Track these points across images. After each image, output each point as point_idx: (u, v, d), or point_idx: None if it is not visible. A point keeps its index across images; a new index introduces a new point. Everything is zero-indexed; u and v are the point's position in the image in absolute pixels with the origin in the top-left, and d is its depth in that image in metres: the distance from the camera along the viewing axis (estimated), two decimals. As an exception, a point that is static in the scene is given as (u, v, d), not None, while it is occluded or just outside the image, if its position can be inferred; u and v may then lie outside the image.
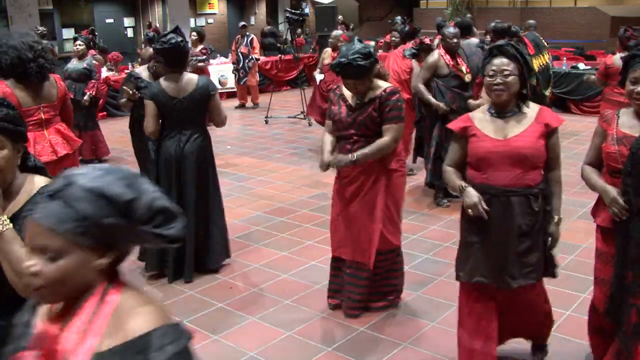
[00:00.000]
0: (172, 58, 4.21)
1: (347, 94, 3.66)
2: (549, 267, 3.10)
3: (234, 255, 4.83)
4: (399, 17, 9.43)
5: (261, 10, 21.40)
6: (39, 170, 1.99)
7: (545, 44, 9.63)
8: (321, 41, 11.94)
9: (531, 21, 9.31)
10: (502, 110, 2.87)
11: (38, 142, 3.95)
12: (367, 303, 3.89)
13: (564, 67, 10.91)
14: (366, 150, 3.54)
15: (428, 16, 18.26)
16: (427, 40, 6.71)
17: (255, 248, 5.01)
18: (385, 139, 3.55)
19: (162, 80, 4.27)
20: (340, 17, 13.31)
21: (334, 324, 3.80)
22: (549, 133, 2.85)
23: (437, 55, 5.80)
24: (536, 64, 9.23)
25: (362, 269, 3.76)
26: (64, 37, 16.24)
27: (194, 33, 10.27)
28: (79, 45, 7.59)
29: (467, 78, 5.73)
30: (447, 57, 5.73)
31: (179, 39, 4.17)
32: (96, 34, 8.74)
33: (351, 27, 14.07)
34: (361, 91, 3.56)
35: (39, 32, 11.12)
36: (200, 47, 10.03)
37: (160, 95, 4.20)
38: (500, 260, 2.87)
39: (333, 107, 3.71)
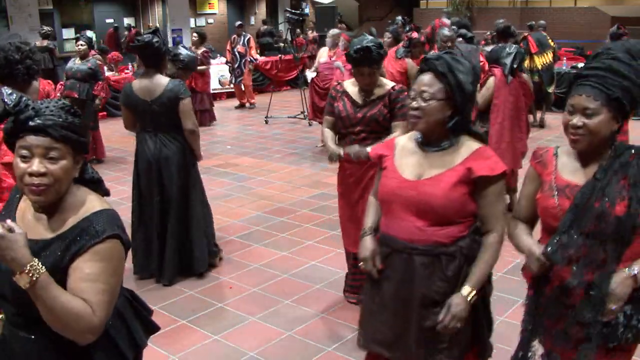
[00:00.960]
0: (145, 56, 4.23)
1: (351, 90, 3.69)
2: (480, 351, 2.45)
3: (234, 255, 4.83)
4: (399, 17, 9.43)
5: (261, 10, 21.38)
6: (95, 182, 1.89)
7: (552, 44, 9.67)
8: (322, 41, 11.93)
9: (542, 22, 9.59)
10: (428, 142, 2.27)
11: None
12: None
13: (564, 67, 10.92)
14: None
15: (428, 16, 18.24)
16: (414, 35, 6.68)
17: (255, 248, 5.01)
18: (396, 134, 3.57)
19: (134, 82, 4.29)
20: (340, 15, 13.29)
21: (334, 324, 3.79)
22: (477, 182, 2.16)
23: None
24: (539, 62, 9.28)
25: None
26: (64, 37, 16.22)
27: (195, 34, 10.25)
28: (81, 45, 7.60)
29: None
30: None
31: (155, 39, 4.17)
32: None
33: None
34: (372, 83, 3.61)
35: (44, 31, 11.12)
36: (202, 49, 10.01)
37: (132, 97, 4.21)
38: (401, 333, 2.25)
39: (336, 103, 3.71)
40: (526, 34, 9.64)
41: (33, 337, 1.74)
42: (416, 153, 2.28)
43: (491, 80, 5.35)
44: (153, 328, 2.07)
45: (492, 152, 2.24)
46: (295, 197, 6.35)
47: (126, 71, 11.39)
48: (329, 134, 3.75)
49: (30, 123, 1.67)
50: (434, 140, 2.24)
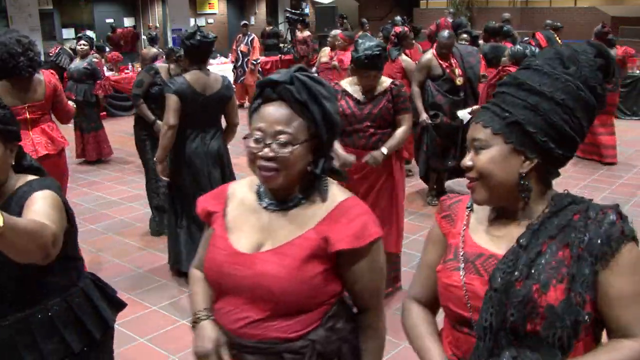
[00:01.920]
0: (206, 53, 4.24)
1: (351, 89, 3.76)
2: None
3: (234, 255, 4.83)
4: (398, 17, 9.43)
5: (261, 10, 21.40)
6: (35, 170, 1.97)
7: (560, 42, 9.76)
8: (322, 41, 11.94)
9: (549, 21, 9.71)
10: (276, 197, 1.59)
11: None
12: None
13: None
14: (393, 141, 3.75)
15: (428, 16, 18.25)
16: (397, 30, 6.66)
17: (255, 248, 5.00)
18: (404, 128, 3.80)
19: (187, 76, 4.16)
20: (344, 15, 13.19)
21: (333, 324, 3.78)
22: (338, 256, 1.51)
23: (430, 54, 5.80)
24: None
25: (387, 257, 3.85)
26: (64, 37, 16.23)
27: None
28: (84, 45, 7.56)
29: (459, 81, 5.73)
30: (439, 59, 5.73)
31: (209, 34, 4.23)
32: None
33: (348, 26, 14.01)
34: (375, 83, 3.72)
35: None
36: None
37: (188, 90, 4.09)
38: None
39: (341, 103, 3.73)
40: (534, 32, 9.73)
41: (7, 322, 1.83)
42: (258, 212, 1.60)
43: None
44: (120, 304, 2.18)
45: (361, 206, 1.55)
46: (295, 197, 6.33)
47: (126, 71, 11.38)
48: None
49: None
50: (284, 194, 1.57)
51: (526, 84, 1.38)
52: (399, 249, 4.05)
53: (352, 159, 3.64)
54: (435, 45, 5.86)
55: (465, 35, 7.29)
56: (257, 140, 1.50)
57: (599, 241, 1.31)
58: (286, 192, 1.56)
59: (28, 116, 3.98)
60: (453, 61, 5.75)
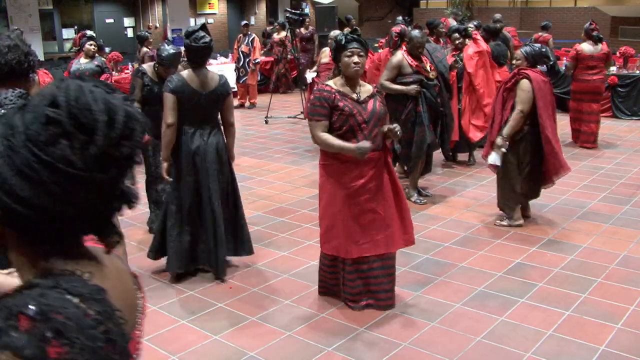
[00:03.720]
0: (202, 55, 4.25)
1: (342, 89, 3.71)
2: None
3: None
4: (400, 17, 9.43)
5: (261, 10, 21.39)
6: None
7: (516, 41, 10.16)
8: (322, 41, 11.91)
9: (497, 15, 10.05)
10: None
11: None
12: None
13: (564, 67, 10.89)
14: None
15: (428, 16, 18.23)
16: (397, 30, 6.65)
17: (255, 248, 5.00)
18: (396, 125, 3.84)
19: (185, 74, 4.25)
20: (350, 16, 13.10)
21: (334, 324, 3.80)
22: None
23: (400, 55, 5.82)
24: None
25: (389, 257, 3.88)
26: (64, 37, 16.22)
27: None
28: (94, 46, 7.77)
29: (432, 75, 5.79)
30: (410, 58, 5.75)
31: (209, 38, 4.25)
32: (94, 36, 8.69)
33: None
34: (362, 66, 3.73)
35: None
36: None
37: (185, 88, 4.19)
38: None
39: (340, 103, 3.68)
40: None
41: None
42: None
43: (526, 83, 5.04)
44: None
45: None
46: (295, 197, 6.35)
47: (126, 71, 11.38)
48: (330, 137, 3.69)
49: None
50: None
51: None
52: (413, 241, 3.97)
53: (369, 145, 3.57)
54: (406, 45, 5.89)
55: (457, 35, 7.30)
56: None
57: None
58: None
59: None
60: (422, 57, 5.83)
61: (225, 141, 4.45)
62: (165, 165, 4.27)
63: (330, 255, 3.93)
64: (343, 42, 3.67)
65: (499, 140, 5.07)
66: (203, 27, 4.34)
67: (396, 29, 6.74)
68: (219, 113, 4.42)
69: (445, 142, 6.24)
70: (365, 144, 3.56)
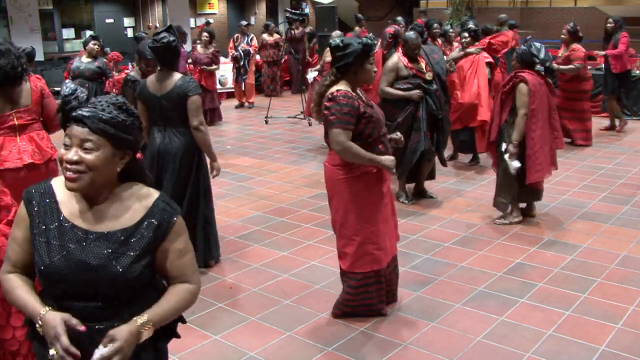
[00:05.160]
0: (163, 56, 4.26)
1: (356, 94, 3.59)
2: None
3: (234, 256, 4.83)
4: (400, 17, 9.43)
5: (261, 10, 21.37)
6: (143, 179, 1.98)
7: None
8: (322, 41, 11.90)
9: (421, 9, 10.05)
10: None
11: (5, 147, 3.94)
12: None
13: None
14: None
15: (428, 16, 18.23)
16: (391, 31, 6.64)
17: (255, 248, 5.01)
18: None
19: (148, 78, 4.40)
20: (360, 15, 13.01)
21: (334, 323, 3.80)
22: None
23: (396, 57, 5.80)
24: None
25: (395, 258, 3.94)
26: (64, 37, 16.20)
27: (206, 34, 10.22)
28: (97, 46, 7.84)
29: (429, 76, 5.76)
30: (405, 60, 5.73)
31: (171, 38, 4.22)
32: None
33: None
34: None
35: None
36: (211, 49, 10.09)
37: (144, 91, 4.33)
38: None
39: (367, 110, 3.51)
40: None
41: (116, 324, 1.81)
42: None
43: (524, 87, 5.03)
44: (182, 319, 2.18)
45: None
46: (295, 197, 6.35)
47: (126, 71, 11.39)
48: (359, 147, 3.47)
49: (73, 113, 1.79)
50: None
51: None
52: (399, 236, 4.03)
53: (393, 159, 3.58)
54: (401, 47, 5.84)
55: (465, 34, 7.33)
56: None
57: None
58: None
59: (16, 122, 3.97)
60: (419, 59, 5.80)
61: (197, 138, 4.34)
62: None
63: (361, 273, 3.68)
64: (366, 53, 3.51)
65: (511, 148, 5.09)
66: (169, 28, 4.33)
67: (390, 29, 6.72)
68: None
69: (440, 147, 6.13)
70: (390, 157, 3.54)
